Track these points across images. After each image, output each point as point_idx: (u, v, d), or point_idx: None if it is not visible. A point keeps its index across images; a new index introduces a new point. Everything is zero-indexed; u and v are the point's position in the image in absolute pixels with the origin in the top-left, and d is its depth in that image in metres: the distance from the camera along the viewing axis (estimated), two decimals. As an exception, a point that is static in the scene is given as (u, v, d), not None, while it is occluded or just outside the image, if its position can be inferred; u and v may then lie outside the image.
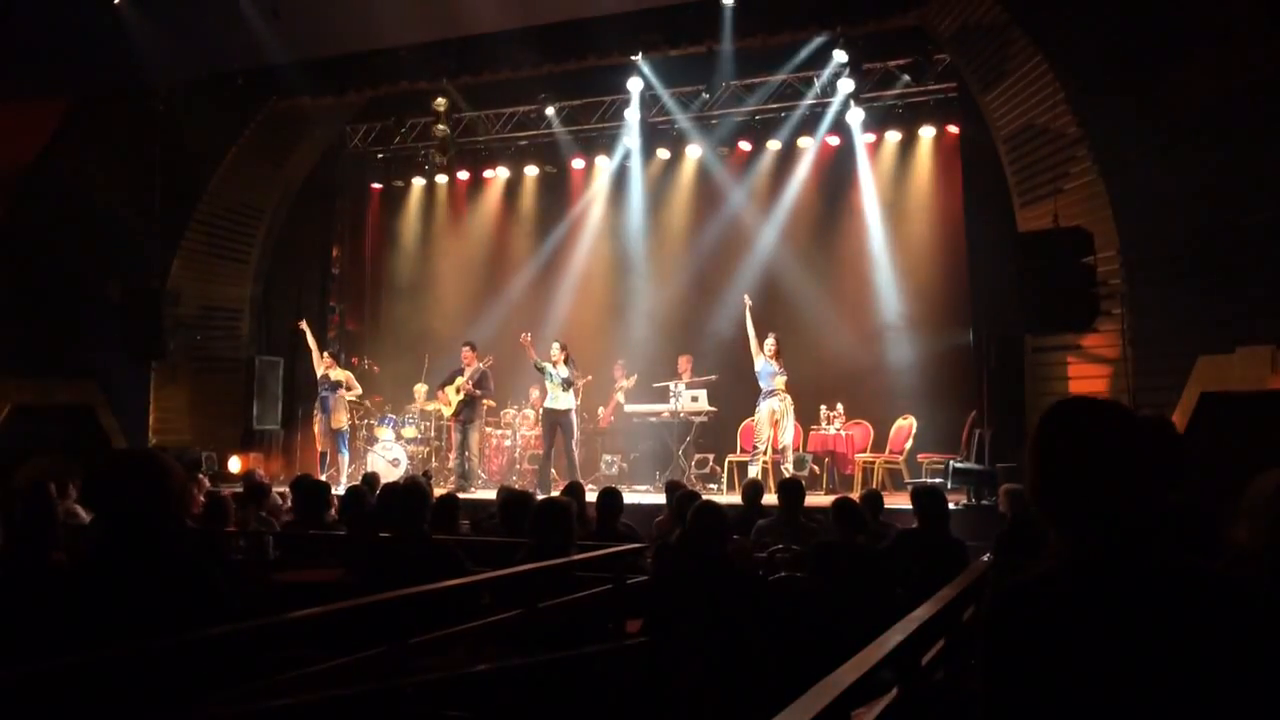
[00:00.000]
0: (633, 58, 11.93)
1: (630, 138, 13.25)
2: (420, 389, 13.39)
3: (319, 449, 12.65)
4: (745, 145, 13.48)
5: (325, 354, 12.83)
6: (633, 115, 12.83)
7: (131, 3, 10.73)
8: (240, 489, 8.40)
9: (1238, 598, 1.55)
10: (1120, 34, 9.15)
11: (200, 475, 10.21)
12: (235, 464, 12.74)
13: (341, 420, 12.55)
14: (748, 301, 11.38)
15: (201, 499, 7.38)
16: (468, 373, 12.09)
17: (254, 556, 6.04)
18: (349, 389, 12.62)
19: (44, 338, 12.51)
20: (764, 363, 11.24)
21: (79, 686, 2.18)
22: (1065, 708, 1.56)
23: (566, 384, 11.57)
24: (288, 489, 7.86)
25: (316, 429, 12.63)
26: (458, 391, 12.09)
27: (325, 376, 12.50)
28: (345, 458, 12.58)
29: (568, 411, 11.62)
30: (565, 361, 11.63)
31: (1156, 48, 8.84)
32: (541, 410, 11.97)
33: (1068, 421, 1.71)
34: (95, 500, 2.70)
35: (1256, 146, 8.15)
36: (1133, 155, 9.23)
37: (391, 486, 6.36)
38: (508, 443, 13.15)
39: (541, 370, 11.74)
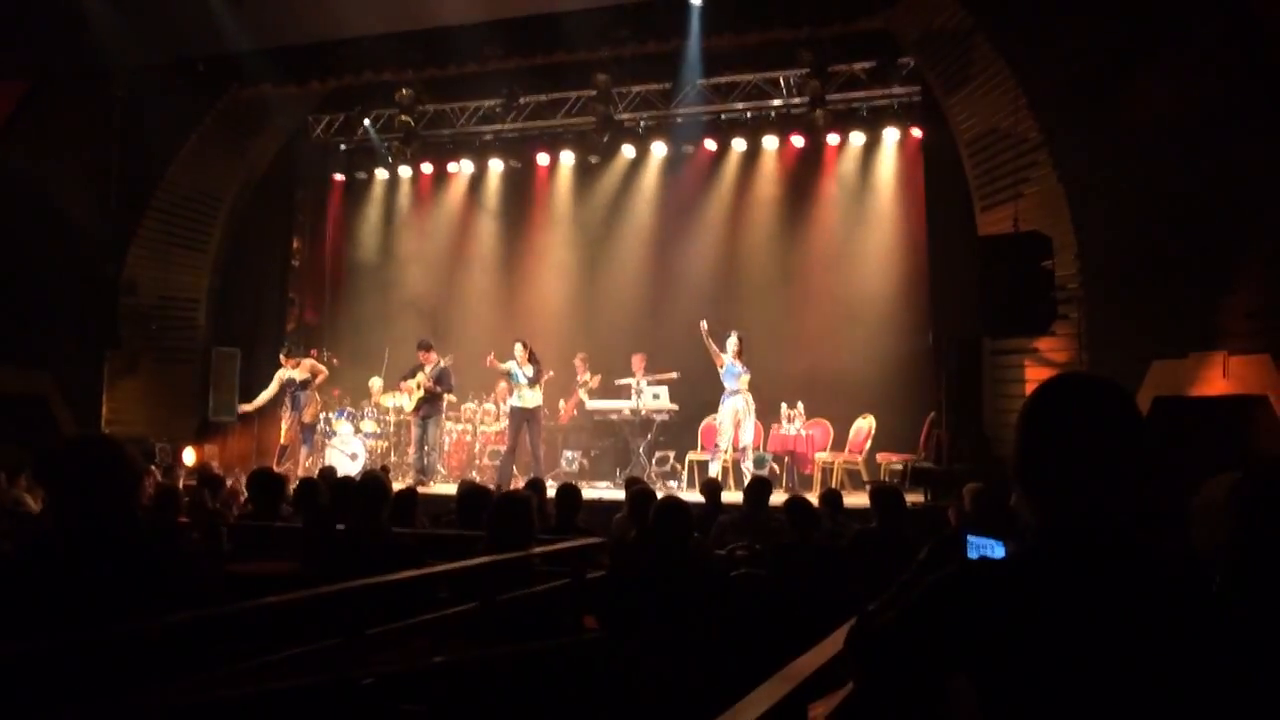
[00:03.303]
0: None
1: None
2: (375, 383, 13.29)
3: (283, 442, 12.52)
4: (710, 144, 13.51)
5: (281, 355, 12.72)
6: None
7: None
8: (194, 481, 8.29)
9: (1205, 593, 1.55)
10: (1082, 42, 9.27)
11: (152, 466, 10.07)
12: (190, 455, 12.56)
13: (310, 415, 12.46)
14: (704, 327, 11.40)
15: (150, 490, 7.28)
16: (428, 369, 12.03)
17: (206, 547, 5.95)
18: (315, 376, 12.51)
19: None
20: (729, 362, 11.28)
21: (22, 675, 2.13)
22: (1018, 689, 1.55)
23: (533, 382, 11.58)
24: (244, 481, 7.77)
25: (284, 424, 12.51)
26: (419, 387, 12.04)
27: (291, 380, 12.39)
28: (305, 451, 12.47)
29: (537, 408, 11.70)
30: (529, 360, 11.63)
31: (1117, 57, 8.96)
32: (509, 408, 11.94)
33: (1061, 394, 1.69)
34: (48, 483, 2.63)
35: (1214, 154, 8.28)
36: (1092, 161, 9.35)
37: (348, 480, 6.30)
38: (468, 438, 13.10)
39: (508, 373, 11.75)
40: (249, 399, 13.18)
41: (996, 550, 2.45)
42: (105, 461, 2.54)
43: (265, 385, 12.82)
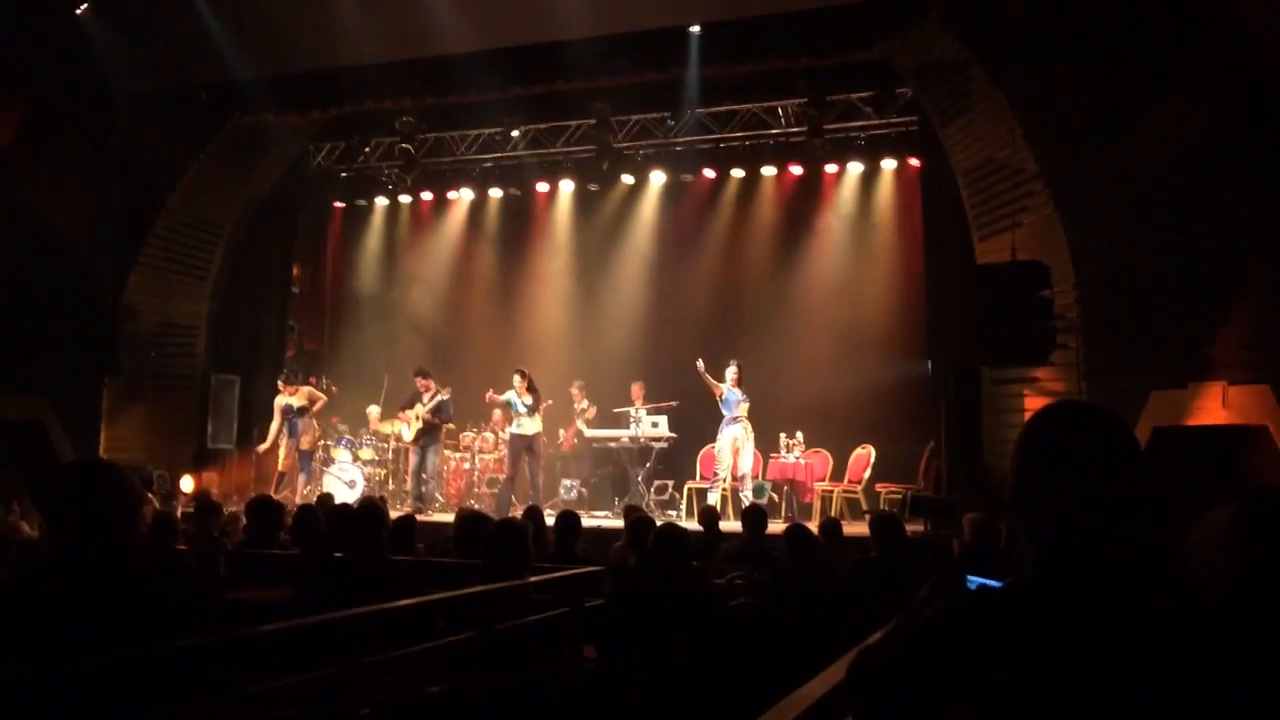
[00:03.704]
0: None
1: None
2: (373, 411, 13.29)
3: (280, 469, 12.49)
4: (709, 173, 13.57)
5: (280, 381, 12.73)
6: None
7: (93, 14, 10.60)
8: (191, 508, 8.27)
9: (1205, 626, 1.54)
10: (1079, 73, 9.33)
11: (150, 494, 10.03)
12: (188, 483, 12.52)
13: (308, 442, 12.45)
14: (700, 366, 11.41)
15: (149, 517, 7.24)
16: (426, 398, 12.05)
17: (204, 575, 5.93)
18: (313, 403, 12.51)
19: (-7, 351, 12.27)
20: (727, 390, 11.29)
21: (20, 702, 2.11)
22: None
23: (532, 410, 11.60)
24: (242, 509, 7.74)
25: (282, 451, 12.49)
26: (417, 419, 12.06)
27: (289, 406, 12.39)
28: (303, 478, 12.45)
29: (537, 435, 11.72)
30: (528, 390, 11.64)
31: (1115, 87, 9.03)
32: (509, 436, 11.93)
33: (1056, 422, 1.68)
34: (45, 507, 2.58)
35: (1213, 184, 8.32)
36: (1090, 191, 9.39)
37: (346, 507, 6.28)
38: (466, 465, 13.07)
39: (507, 403, 11.76)
40: (247, 426, 13.16)
41: None
42: (103, 485, 2.50)
43: (265, 412, 12.84)
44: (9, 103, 12.09)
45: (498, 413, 12.74)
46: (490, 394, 12.01)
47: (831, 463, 12.04)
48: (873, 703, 1.73)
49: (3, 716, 2.13)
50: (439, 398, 12.06)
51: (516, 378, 11.73)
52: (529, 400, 11.64)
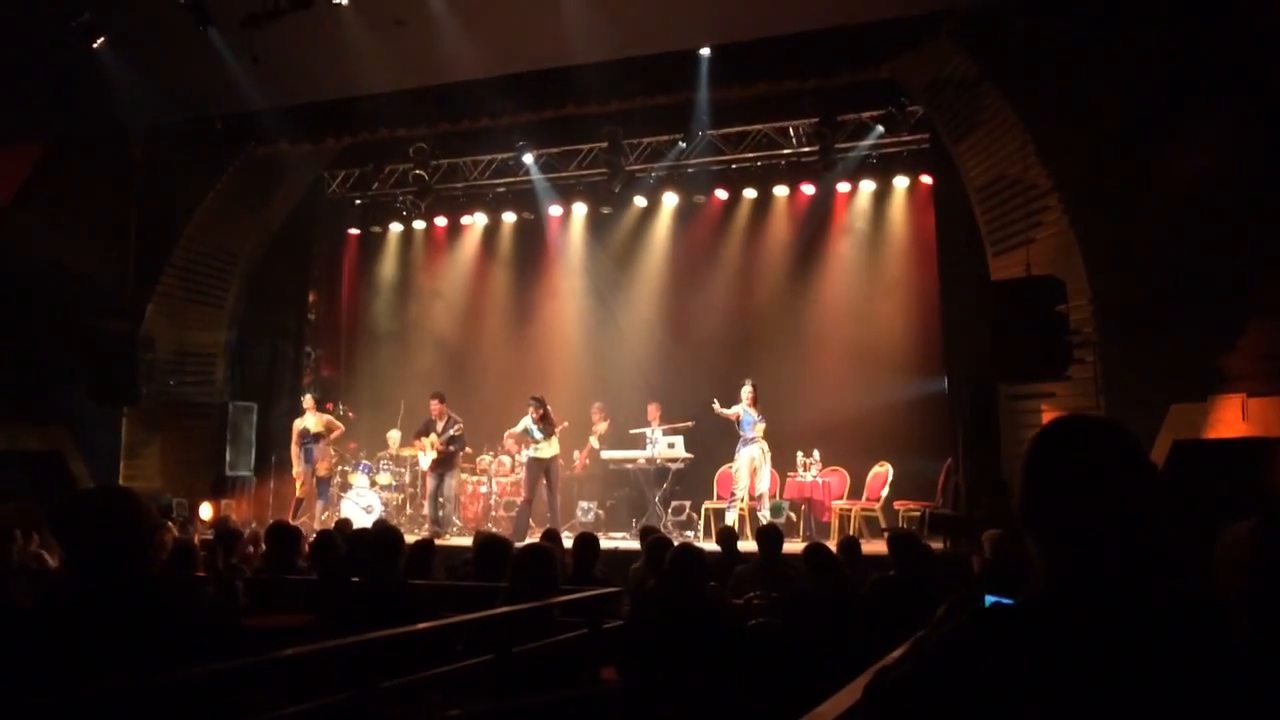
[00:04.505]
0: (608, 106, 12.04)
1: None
2: (393, 435, 13.35)
3: (298, 495, 12.54)
4: (721, 194, 13.61)
5: (310, 397, 12.86)
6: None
7: (110, 47, 10.72)
8: (210, 536, 8.29)
9: (1225, 642, 1.52)
10: (1090, 88, 9.32)
11: (170, 522, 10.07)
12: (206, 510, 12.58)
13: (325, 469, 12.49)
14: (716, 406, 11.46)
15: (168, 545, 7.27)
16: (440, 427, 12.10)
17: (224, 602, 5.94)
18: (330, 431, 12.57)
19: (14, 383, 12.35)
20: (744, 411, 11.29)
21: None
22: None
23: (548, 434, 11.62)
24: (262, 535, 7.76)
25: (299, 478, 12.54)
26: (432, 448, 12.12)
27: (305, 430, 12.47)
28: (321, 504, 12.48)
29: (554, 458, 11.75)
30: (541, 419, 11.65)
31: (1128, 102, 9.01)
32: (527, 460, 11.95)
33: (1064, 436, 1.67)
34: (61, 535, 2.59)
35: (1229, 196, 8.29)
36: (1103, 205, 9.36)
37: (363, 532, 6.30)
38: (484, 489, 13.08)
39: (525, 431, 11.79)
40: (265, 454, 13.25)
41: None
42: (118, 511, 2.52)
43: (283, 440, 12.92)
44: (27, 136, 12.23)
45: (508, 440, 12.74)
46: (507, 437, 12.32)
47: (849, 481, 12.01)
48: None
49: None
50: (451, 431, 12.11)
51: (530, 408, 11.76)
52: (543, 427, 11.68)
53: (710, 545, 8.59)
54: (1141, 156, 8.93)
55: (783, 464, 11.85)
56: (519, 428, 11.92)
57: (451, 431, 12.11)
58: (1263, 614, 2.11)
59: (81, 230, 12.55)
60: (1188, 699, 1.47)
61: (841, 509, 11.67)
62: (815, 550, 6.08)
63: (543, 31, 10.42)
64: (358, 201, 15.10)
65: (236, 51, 10.59)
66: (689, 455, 12.09)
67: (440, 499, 12.09)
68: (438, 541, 9.41)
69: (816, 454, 11.87)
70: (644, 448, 12.15)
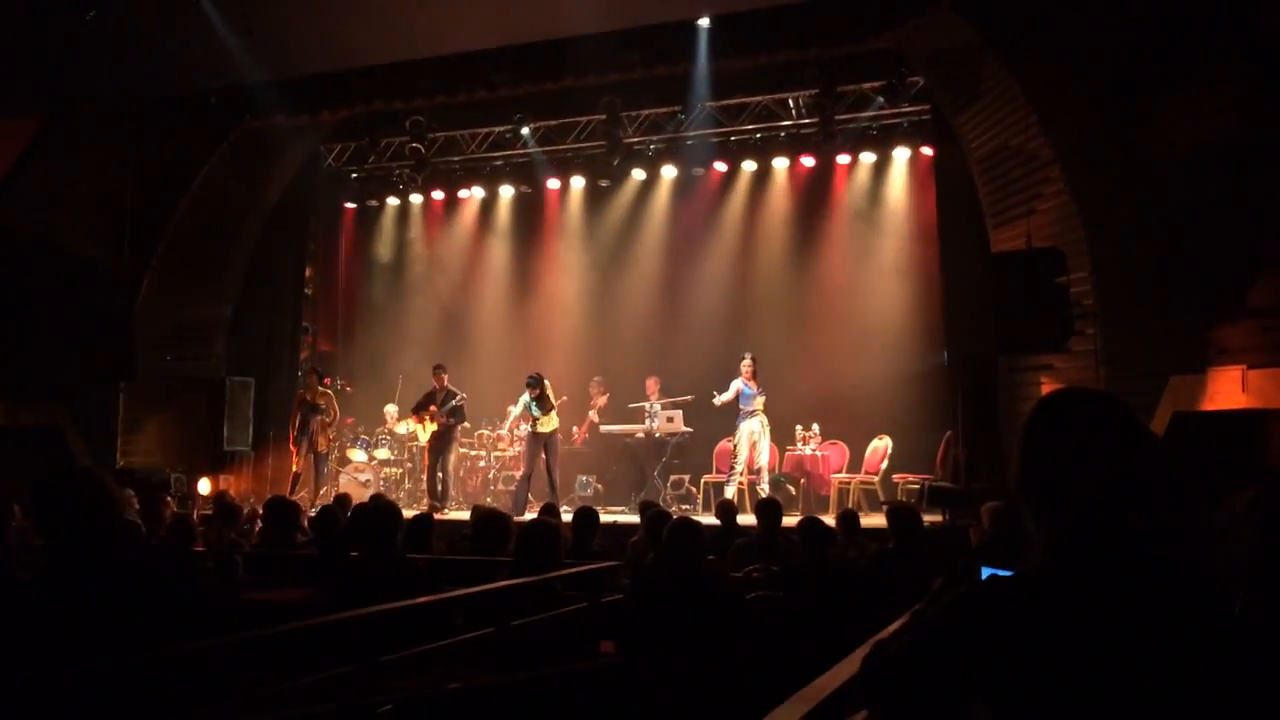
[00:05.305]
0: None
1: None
2: (391, 409, 13.34)
3: (295, 470, 12.54)
4: (720, 166, 13.54)
5: (312, 370, 12.85)
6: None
7: (104, 20, 10.63)
8: (209, 511, 8.30)
9: (1226, 611, 1.52)
10: (1092, 57, 9.25)
11: (167, 497, 10.07)
12: (205, 485, 12.58)
13: (323, 444, 12.50)
14: (717, 398, 11.40)
15: (167, 520, 7.27)
16: (440, 399, 12.07)
17: (222, 577, 5.95)
18: (328, 407, 12.57)
19: (10, 358, 12.33)
20: (742, 384, 11.27)
21: (36, 705, 2.12)
22: (1034, 712, 1.52)
23: (546, 410, 11.57)
24: (261, 510, 7.77)
25: (297, 453, 12.55)
26: (431, 421, 12.09)
27: (304, 401, 12.47)
28: (319, 479, 12.49)
29: (553, 433, 11.69)
30: (539, 398, 11.60)
31: (1129, 71, 8.94)
32: (526, 434, 11.92)
33: (1060, 408, 1.68)
34: (37, 523, 2.72)
35: (1230, 167, 8.24)
36: (1105, 176, 9.31)
37: (362, 506, 6.29)
38: (482, 463, 13.09)
39: (526, 407, 11.76)
40: (263, 429, 13.24)
41: None
42: (79, 495, 2.63)
43: (281, 414, 12.91)
44: (22, 111, 12.15)
45: (511, 412, 12.70)
46: (510, 426, 12.48)
47: (848, 454, 12.00)
48: (888, 696, 1.72)
49: (20, 717, 2.13)
50: (453, 402, 12.07)
51: (527, 389, 11.70)
52: (542, 404, 11.64)
53: (709, 519, 8.59)
54: (1143, 127, 8.87)
55: (782, 437, 11.85)
56: (519, 407, 11.88)
57: (452, 403, 12.09)
58: (1262, 583, 2.11)
59: (77, 205, 12.50)
60: (1187, 668, 1.47)
61: (840, 482, 11.68)
62: (808, 524, 6.08)
63: (540, 2, 10.34)
64: (354, 175, 15.02)
65: (232, 23, 10.52)
66: (688, 429, 12.09)
67: (439, 473, 12.08)
68: (436, 516, 9.44)
69: (816, 427, 11.87)
70: (643, 421, 12.14)
